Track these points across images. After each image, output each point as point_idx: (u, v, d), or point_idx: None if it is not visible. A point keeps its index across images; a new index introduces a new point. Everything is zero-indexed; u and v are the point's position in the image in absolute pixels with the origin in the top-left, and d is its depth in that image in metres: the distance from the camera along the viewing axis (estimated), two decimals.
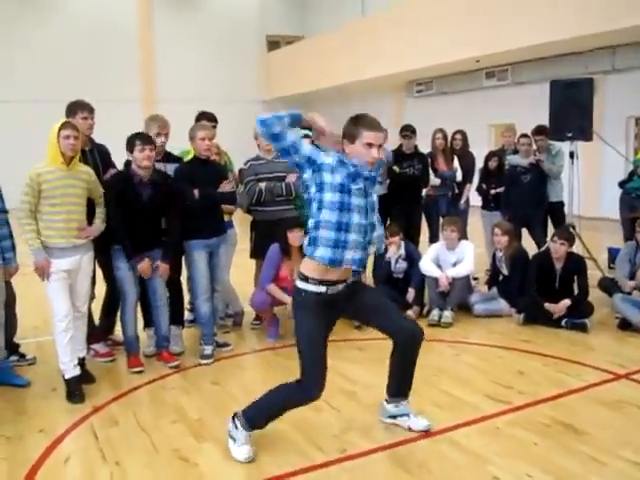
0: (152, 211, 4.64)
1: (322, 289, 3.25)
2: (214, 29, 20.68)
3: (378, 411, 3.83)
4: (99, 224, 4.51)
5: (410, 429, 3.67)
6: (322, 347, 3.29)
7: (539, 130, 7.27)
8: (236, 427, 3.41)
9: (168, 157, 5.20)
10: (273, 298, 5.41)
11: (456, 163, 7.66)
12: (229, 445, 3.43)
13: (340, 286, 3.30)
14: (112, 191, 4.55)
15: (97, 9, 19.03)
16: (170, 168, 5.07)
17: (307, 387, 3.29)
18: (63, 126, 4.15)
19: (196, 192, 4.84)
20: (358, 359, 4.97)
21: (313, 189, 3.17)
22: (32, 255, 4.19)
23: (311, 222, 3.21)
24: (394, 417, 3.73)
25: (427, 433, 3.64)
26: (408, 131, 7.10)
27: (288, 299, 5.29)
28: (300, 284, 3.29)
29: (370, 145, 3.15)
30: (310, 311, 3.27)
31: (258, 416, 3.41)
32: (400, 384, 3.69)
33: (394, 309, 3.63)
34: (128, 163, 4.77)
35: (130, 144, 4.53)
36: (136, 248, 4.58)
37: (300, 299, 3.30)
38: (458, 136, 7.82)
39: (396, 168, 6.98)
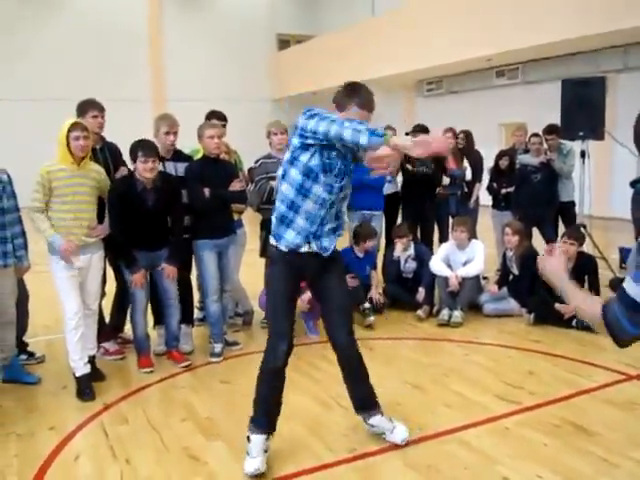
0: (157, 216, 4.66)
1: (289, 248, 3.24)
2: (224, 28, 20.71)
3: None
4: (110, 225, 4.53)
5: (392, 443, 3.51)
6: (289, 302, 3.31)
7: (550, 129, 7.24)
8: (249, 440, 3.28)
9: (178, 156, 5.20)
10: None
11: (466, 162, 7.64)
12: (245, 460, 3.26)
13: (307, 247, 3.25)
14: (114, 198, 4.52)
15: (107, 8, 19.10)
16: (180, 167, 5.07)
17: (273, 342, 3.27)
18: (72, 127, 4.16)
19: (206, 191, 4.84)
20: (368, 358, 4.91)
21: None
22: (53, 244, 4.19)
23: None
24: (372, 426, 3.55)
25: (436, 433, 3.63)
26: (420, 129, 7.07)
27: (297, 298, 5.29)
28: (271, 239, 3.30)
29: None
30: (278, 266, 3.29)
31: (259, 413, 3.32)
32: (360, 396, 3.52)
33: (346, 312, 3.47)
34: (132, 172, 4.75)
35: (133, 154, 4.54)
36: (144, 248, 4.60)
37: (270, 254, 3.33)
38: (461, 135, 7.82)
39: (409, 167, 6.97)
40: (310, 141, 3.05)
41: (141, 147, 4.52)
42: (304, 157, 3.09)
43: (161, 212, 4.69)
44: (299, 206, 3.16)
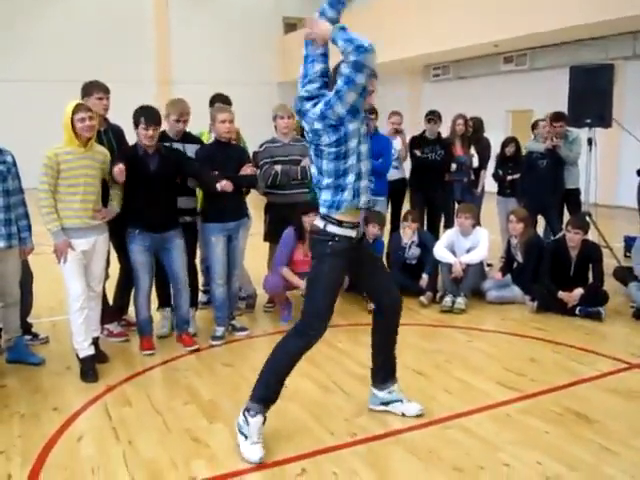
0: (161, 183, 4.57)
1: (354, 233, 3.32)
2: (230, 11, 20.58)
3: (369, 401, 3.78)
4: (115, 206, 4.52)
5: (404, 415, 3.67)
6: (335, 299, 3.37)
7: (558, 117, 7.19)
8: (247, 423, 3.27)
9: (187, 137, 5.18)
10: (286, 281, 5.42)
11: (473, 149, 7.60)
12: (239, 441, 3.28)
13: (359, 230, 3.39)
14: (118, 158, 4.49)
15: None
16: (189, 149, 5.05)
17: (315, 325, 3.31)
18: (76, 109, 4.14)
19: (216, 175, 4.82)
20: (370, 344, 4.96)
21: None
22: (51, 237, 4.21)
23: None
24: (386, 404, 3.72)
25: (438, 419, 3.65)
26: (434, 115, 7.02)
27: (301, 283, 5.30)
28: (332, 228, 3.27)
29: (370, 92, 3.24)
30: (339, 258, 3.29)
31: (269, 391, 3.33)
32: (387, 366, 3.71)
33: (387, 274, 3.74)
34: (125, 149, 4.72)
35: (135, 120, 4.50)
36: (150, 228, 4.58)
37: (332, 244, 3.27)
38: (471, 122, 7.76)
39: (418, 153, 6.95)
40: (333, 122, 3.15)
41: (143, 114, 4.48)
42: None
43: (165, 179, 4.60)
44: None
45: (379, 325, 3.65)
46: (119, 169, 4.31)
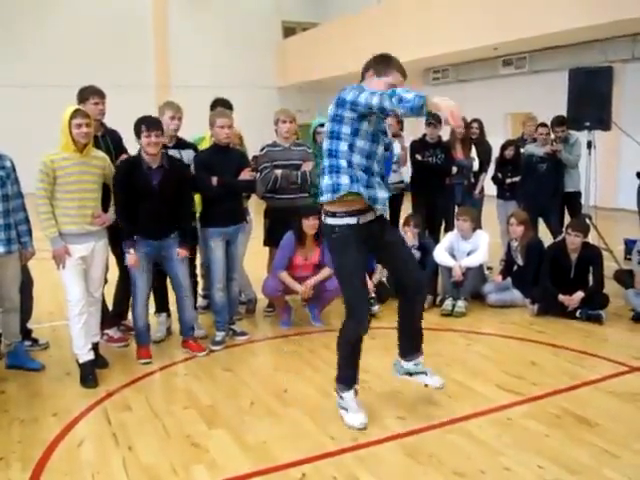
0: (163, 197, 4.55)
1: (354, 220, 3.41)
2: (230, 15, 20.58)
3: (393, 369, 3.94)
4: (114, 211, 4.52)
5: (426, 386, 3.85)
6: (364, 278, 3.58)
7: (560, 121, 7.19)
8: (342, 397, 3.65)
9: (181, 143, 5.18)
10: (285, 286, 5.42)
11: (474, 152, 7.60)
12: (342, 415, 3.63)
13: (369, 215, 3.47)
14: (119, 174, 4.50)
15: None
16: (184, 154, 5.06)
17: (358, 318, 3.53)
18: (74, 114, 4.14)
19: (214, 180, 4.83)
20: (370, 347, 4.92)
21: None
22: (50, 243, 4.21)
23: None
24: (410, 374, 3.87)
25: (439, 423, 3.65)
26: (434, 119, 7.02)
27: (299, 287, 5.31)
28: (329, 221, 3.45)
29: (393, 86, 3.33)
30: (346, 245, 3.44)
31: (344, 371, 3.66)
32: (414, 339, 3.83)
33: (413, 259, 3.91)
34: (139, 151, 4.74)
35: (136, 129, 4.48)
36: (151, 236, 4.58)
37: (335, 236, 3.45)
38: (475, 124, 7.76)
39: (419, 157, 6.95)
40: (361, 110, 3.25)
41: (144, 122, 4.46)
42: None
43: (167, 194, 4.57)
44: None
45: (402, 304, 3.77)
46: (134, 260, 4.51)
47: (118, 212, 4.50)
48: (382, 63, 3.47)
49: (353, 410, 3.63)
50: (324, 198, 3.43)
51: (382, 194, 3.47)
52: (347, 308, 3.56)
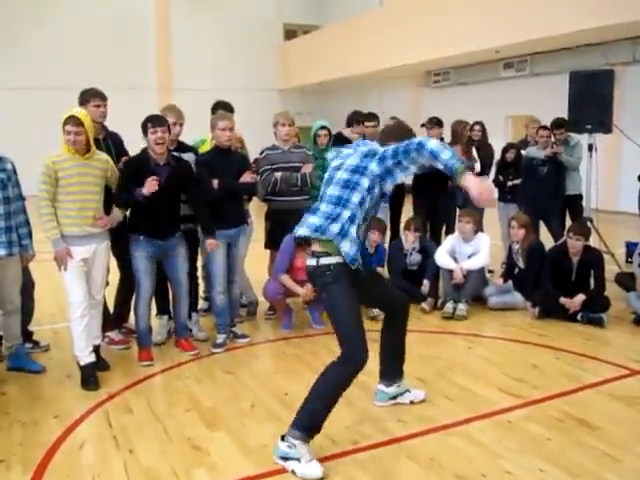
0: (169, 194, 4.58)
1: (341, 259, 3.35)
2: (231, 18, 20.60)
3: (376, 398, 3.92)
4: (117, 213, 4.52)
5: (412, 403, 3.90)
6: (360, 313, 3.41)
7: (559, 123, 7.19)
8: (293, 446, 3.17)
9: (182, 147, 5.18)
10: (286, 289, 5.41)
11: (475, 155, 7.59)
12: (292, 468, 3.13)
13: None
14: (127, 169, 4.54)
15: None
16: (185, 158, 5.06)
17: (355, 353, 3.28)
18: (66, 121, 4.12)
19: (215, 182, 4.84)
20: (371, 350, 4.94)
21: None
22: (52, 245, 4.21)
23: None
24: (395, 397, 3.89)
25: (440, 426, 3.64)
26: (429, 122, 7.02)
27: (300, 290, 5.31)
28: (324, 260, 3.32)
29: None
30: (342, 281, 3.32)
31: (315, 419, 3.24)
32: (398, 364, 3.90)
33: (385, 282, 3.90)
34: (145, 150, 4.74)
35: (144, 127, 4.51)
36: (156, 236, 4.60)
37: (330, 273, 3.31)
38: (477, 127, 7.76)
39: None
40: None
41: (150, 119, 4.50)
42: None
43: (173, 190, 4.62)
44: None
45: (392, 327, 3.81)
46: (153, 181, 4.41)
47: (118, 197, 4.52)
48: (403, 130, 3.60)
49: (307, 459, 3.13)
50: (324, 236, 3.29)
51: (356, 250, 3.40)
52: (342, 350, 3.30)
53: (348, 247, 3.26)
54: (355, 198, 3.29)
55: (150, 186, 4.40)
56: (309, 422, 3.23)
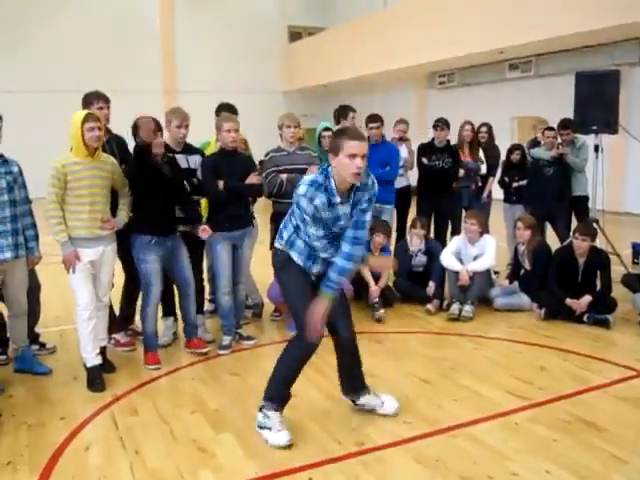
0: (172, 185, 4.65)
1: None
2: (236, 19, 20.63)
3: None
4: (124, 216, 4.54)
5: (385, 415, 3.80)
6: (312, 296, 3.39)
7: (565, 124, 7.18)
8: (267, 417, 3.50)
9: (189, 149, 5.20)
10: None
11: (482, 156, 7.58)
12: (265, 436, 3.48)
13: None
14: (135, 158, 4.61)
15: None
16: (192, 159, 5.08)
17: (307, 338, 3.38)
18: (86, 118, 4.16)
19: (220, 183, 4.84)
20: (377, 351, 4.96)
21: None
22: (60, 248, 4.22)
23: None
24: (363, 405, 3.86)
25: (445, 428, 3.63)
26: (440, 122, 7.01)
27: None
28: (278, 244, 3.54)
29: (354, 156, 3.20)
30: (292, 267, 3.49)
31: (279, 390, 3.55)
32: (360, 373, 3.84)
33: (342, 305, 3.65)
34: (136, 149, 4.73)
35: (133, 131, 4.63)
36: (161, 233, 4.63)
37: (279, 258, 3.55)
38: (484, 129, 7.77)
39: (425, 160, 6.94)
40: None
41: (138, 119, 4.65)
42: None
43: (176, 182, 4.70)
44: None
45: (340, 340, 3.72)
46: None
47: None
48: (333, 142, 3.36)
49: (276, 428, 3.46)
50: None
51: (317, 268, 3.51)
52: (297, 326, 3.48)
53: (296, 257, 3.47)
54: (292, 219, 3.47)
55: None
56: (275, 392, 3.55)
